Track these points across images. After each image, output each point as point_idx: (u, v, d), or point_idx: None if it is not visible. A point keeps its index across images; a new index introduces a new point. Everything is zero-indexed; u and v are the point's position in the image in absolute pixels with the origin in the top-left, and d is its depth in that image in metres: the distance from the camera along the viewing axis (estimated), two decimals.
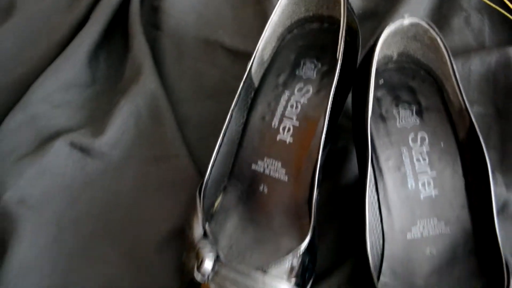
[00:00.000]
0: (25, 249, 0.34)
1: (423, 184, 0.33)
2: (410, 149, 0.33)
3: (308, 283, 0.31)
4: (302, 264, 0.29)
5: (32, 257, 0.34)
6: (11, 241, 0.34)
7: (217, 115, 0.37)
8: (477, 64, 0.40)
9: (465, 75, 0.40)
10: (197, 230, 0.30)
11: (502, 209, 0.35)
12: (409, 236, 0.33)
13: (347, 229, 0.35)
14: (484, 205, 0.31)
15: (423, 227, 0.33)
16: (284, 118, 0.35)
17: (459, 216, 0.33)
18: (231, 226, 0.34)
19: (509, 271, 0.30)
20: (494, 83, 0.40)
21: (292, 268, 0.29)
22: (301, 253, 0.29)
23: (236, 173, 0.35)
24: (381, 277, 0.32)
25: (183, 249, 0.32)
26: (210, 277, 0.29)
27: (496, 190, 0.35)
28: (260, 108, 0.36)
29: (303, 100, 0.35)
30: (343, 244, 0.34)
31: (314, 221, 0.30)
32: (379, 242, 0.33)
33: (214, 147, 0.33)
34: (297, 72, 0.36)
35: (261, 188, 0.35)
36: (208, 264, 0.29)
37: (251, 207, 0.35)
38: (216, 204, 0.35)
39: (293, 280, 0.29)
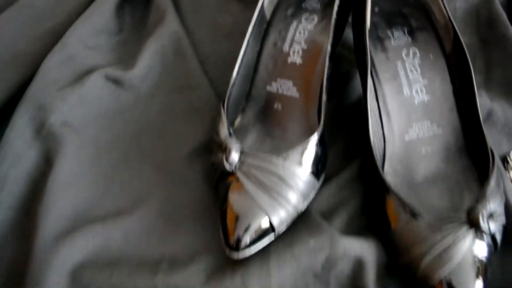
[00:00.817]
0: (69, 164, 0.38)
1: (417, 91, 0.38)
2: (404, 62, 0.38)
3: (321, 174, 0.35)
4: (316, 154, 0.34)
5: (74, 171, 0.38)
6: (56, 158, 0.38)
7: (232, 54, 0.42)
8: (462, 2, 0.46)
9: (451, 12, 0.45)
10: (223, 132, 0.35)
11: (487, 117, 0.40)
12: (406, 138, 0.37)
13: (353, 139, 0.40)
14: (470, 108, 0.36)
15: (419, 129, 0.37)
16: (293, 43, 0.40)
17: (449, 118, 0.37)
18: (250, 140, 0.39)
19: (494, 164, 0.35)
20: (477, 17, 0.45)
21: (307, 156, 0.34)
22: (314, 142, 0.34)
23: (253, 95, 0.40)
24: (384, 176, 0.37)
25: (211, 157, 0.37)
26: (237, 167, 0.33)
27: (481, 101, 0.40)
28: (272, 36, 0.41)
29: (310, 26, 0.40)
30: (350, 151, 0.39)
31: (323, 117, 0.35)
32: (380, 144, 0.38)
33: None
34: (303, 5, 0.41)
35: (275, 106, 0.40)
36: (234, 154, 0.33)
37: (268, 123, 0.39)
38: (236, 123, 0.40)
39: (309, 167, 0.34)
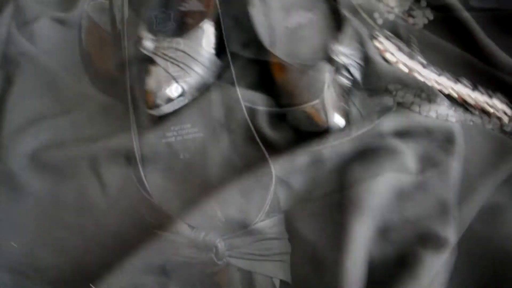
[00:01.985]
0: (25, 82, 0.48)
1: None
2: None
3: (220, 53, 0.45)
4: (212, 34, 0.44)
5: (30, 87, 0.47)
6: (16, 78, 0.48)
7: None
8: None
9: None
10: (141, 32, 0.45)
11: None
12: (289, 25, 0.47)
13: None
14: None
15: (298, 17, 0.48)
16: None
17: (320, 6, 0.48)
18: None
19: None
20: None
21: (206, 36, 0.43)
22: (209, 25, 0.44)
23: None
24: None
25: None
26: (152, 52, 0.43)
27: None
28: None
29: None
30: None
31: (214, 7, 0.45)
32: (269, 32, 0.47)
33: None
34: None
35: (187, 20, 0.50)
36: (147, 41, 0.43)
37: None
38: None
39: (209, 45, 0.43)
